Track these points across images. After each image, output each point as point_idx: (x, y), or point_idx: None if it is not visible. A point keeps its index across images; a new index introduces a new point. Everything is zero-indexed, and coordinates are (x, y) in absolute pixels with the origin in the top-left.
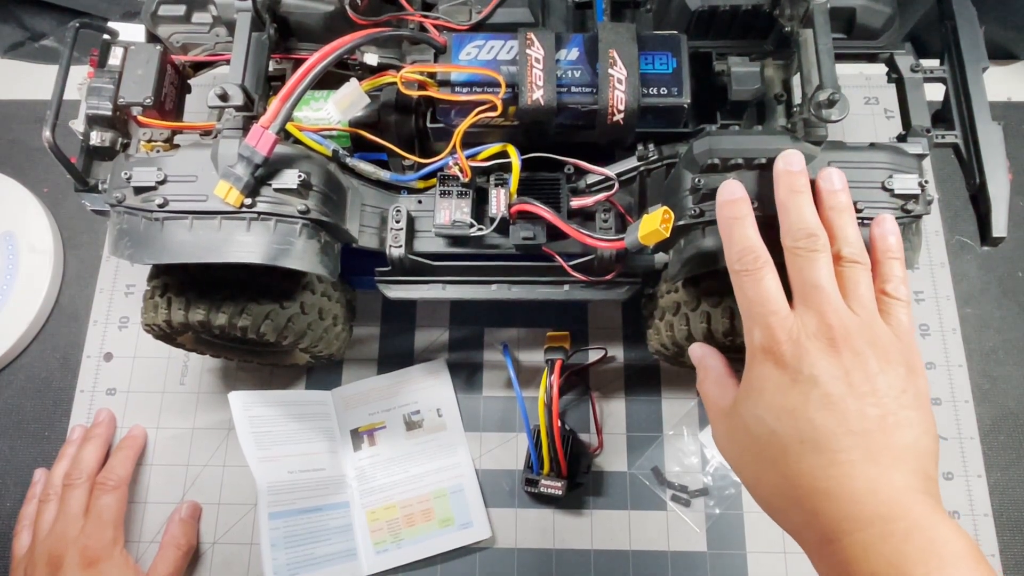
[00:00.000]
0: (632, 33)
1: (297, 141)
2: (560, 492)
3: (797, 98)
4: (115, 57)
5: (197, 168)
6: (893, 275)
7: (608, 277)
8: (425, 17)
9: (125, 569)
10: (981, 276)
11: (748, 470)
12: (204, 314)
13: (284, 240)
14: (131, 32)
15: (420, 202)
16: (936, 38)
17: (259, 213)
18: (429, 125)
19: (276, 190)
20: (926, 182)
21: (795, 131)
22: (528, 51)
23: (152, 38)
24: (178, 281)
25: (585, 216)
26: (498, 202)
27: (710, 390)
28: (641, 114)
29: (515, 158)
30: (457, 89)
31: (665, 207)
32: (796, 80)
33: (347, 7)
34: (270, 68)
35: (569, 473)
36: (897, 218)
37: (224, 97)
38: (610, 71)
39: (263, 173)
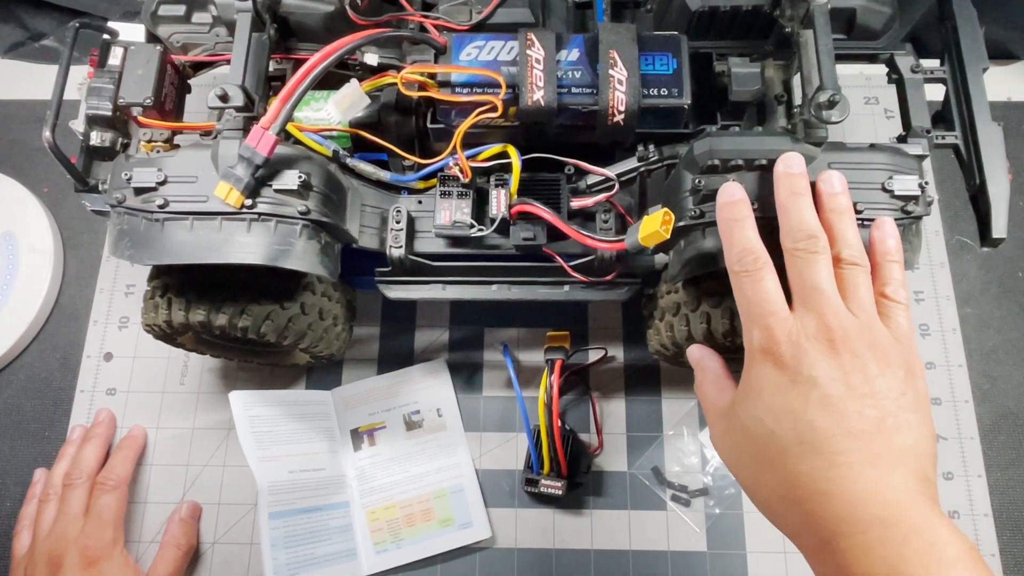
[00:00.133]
0: (632, 34)
1: (297, 142)
2: (560, 492)
3: (797, 99)
4: (115, 57)
5: (197, 169)
6: (892, 278)
7: (608, 278)
8: (425, 17)
9: (125, 569)
10: (981, 276)
11: (746, 472)
12: (204, 315)
13: (284, 241)
14: (131, 32)
15: (420, 202)
16: (936, 38)
17: (259, 214)
18: (429, 125)
19: (276, 191)
20: (926, 183)
21: (795, 132)
22: (528, 52)
23: (152, 38)
24: (178, 282)
25: (585, 217)
26: (498, 203)
27: (708, 391)
28: (641, 115)
29: (515, 159)
30: (457, 90)
31: (665, 208)
32: (796, 81)
33: (347, 7)
34: (270, 68)
35: (569, 473)
36: (897, 219)
37: (224, 98)
38: (610, 72)
39: (263, 174)
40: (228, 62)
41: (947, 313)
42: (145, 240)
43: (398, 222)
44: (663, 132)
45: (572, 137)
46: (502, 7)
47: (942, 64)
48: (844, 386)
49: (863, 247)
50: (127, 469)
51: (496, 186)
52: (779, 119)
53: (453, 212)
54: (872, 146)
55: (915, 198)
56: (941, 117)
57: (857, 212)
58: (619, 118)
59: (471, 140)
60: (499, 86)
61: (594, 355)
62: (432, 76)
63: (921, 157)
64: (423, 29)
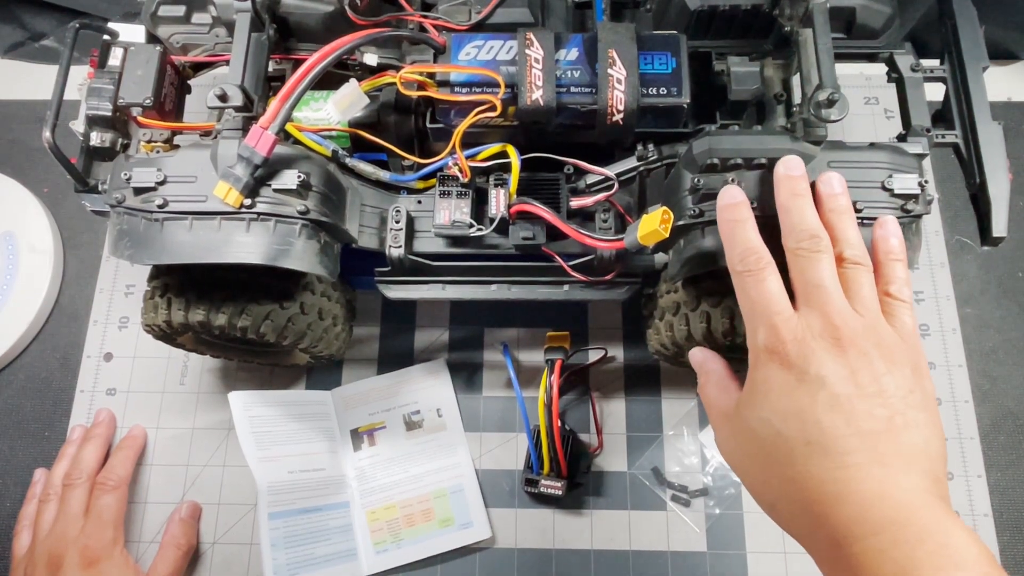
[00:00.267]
0: (632, 33)
1: (297, 141)
2: (560, 492)
3: (797, 98)
4: (115, 57)
5: (197, 169)
6: (896, 277)
7: (608, 277)
8: (425, 17)
9: (125, 569)
10: (981, 276)
11: (753, 474)
12: (204, 314)
13: (284, 241)
14: (131, 32)
15: (420, 202)
16: (936, 38)
17: (259, 214)
18: (428, 125)
19: (276, 190)
20: (926, 182)
21: (795, 131)
22: (527, 51)
23: (152, 38)
24: (178, 282)
25: (585, 216)
26: (498, 202)
27: (712, 394)
28: (640, 114)
29: (515, 158)
30: (456, 89)
31: (664, 207)
32: (796, 80)
33: (347, 7)
34: (270, 68)
35: (569, 473)
36: (897, 218)
37: (224, 98)
38: (609, 71)
39: (263, 174)
40: (228, 62)
41: (947, 313)
42: (145, 240)
43: (397, 222)
44: (662, 131)
45: (571, 137)
46: (501, 7)
47: (942, 63)
48: (852, 385)
49: (865, 247)
50: (127, 469)
51: (495, 186)
52: (778, 118)
53: (452, 212)
54: (872, 145)
55: (915, 197)
56: (941, 116)
57: (857, 211)
58: (618, 117)
59: (470, 140)
60: (498, 86)
61: (594, 355)
62: (431, 76)
63: (921, 156)
64: (422, 29)
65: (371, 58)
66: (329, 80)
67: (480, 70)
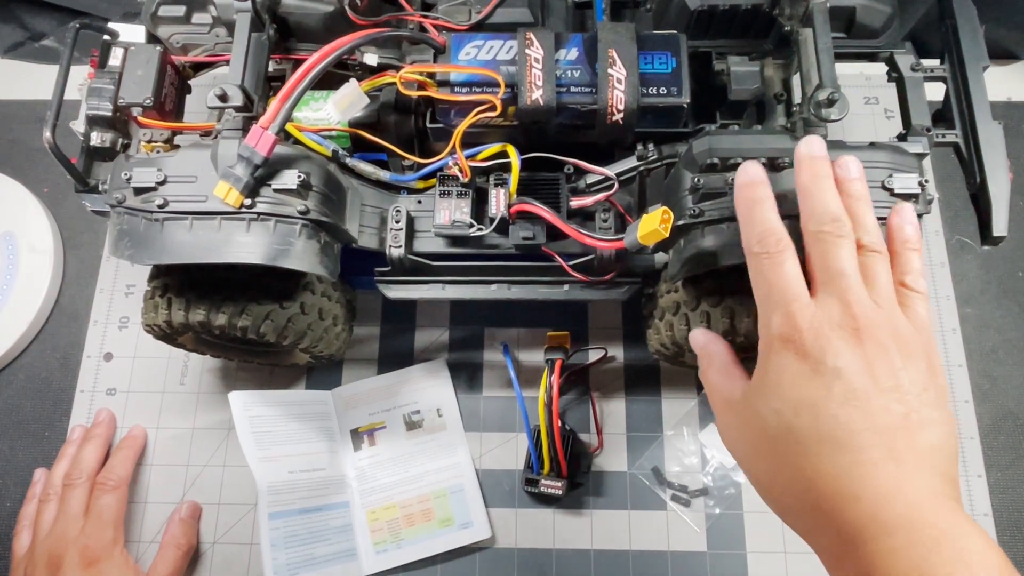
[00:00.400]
0: (631, 33)
1: (297, 141)
2: (560, 492)
3: (797, 97)
4: (115, 58)
5: (197, 169)
6: (912, 267)
7: (608, 277)
8: (424, 17)
9: (125, 569)
10: (981, 276)
11: (759, 467)
12: (204, 314)
13: (284, 240)
14: (131, 33)
15: (420, 202)
16: (936, 37)
17: (259, 214)
18: (428, 125)
19: (276, 190)
20: (926, 181)
21: (795, 130)
22: (527, 51)
23: (152, 39)
24: (178, 282)
25: (585, 216)
26: (498, 202)
27: (715, 379)
28: (640, 114)
29: (515, 158)
30: (456, 89)
31: (664, 207)
32: (796, 79)
33: (347, 7)
34: (270, 68)
35: (569, 473)
36: None
37: (224, 98)
38: (609, 71)
39: (263, 173)
40: (228, 62)
41: (947, 313)
42: (145, 240)
43: (397, 222)
44: (662, 131)
45: (571, 136)
46: (501, 7)
47: (942, 63)
48: (869, 378)
49: (881, 234)
50: (127, 469)
51: (495, 185)
52: (778, 118)
53: (452, 212)
54: (872, 144)
55: (915, 196)
56: (941, 116)
57: None
58: (618, 117)
59: (470, 139)
60: (498, 85)
61: (594, 355)
62: (431, 76)
63: (921, 155)
64: (422, 29)
65: (371, 58)
66: (329, 80)
67: (480, 70)
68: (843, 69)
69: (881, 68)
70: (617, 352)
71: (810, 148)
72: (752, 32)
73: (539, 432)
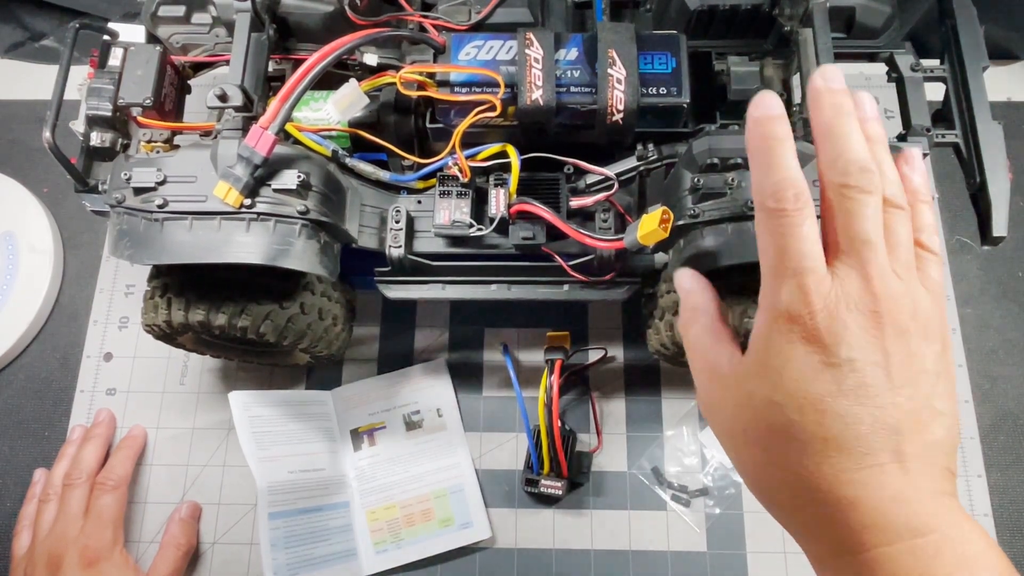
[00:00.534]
0: (631, 33)
1: (296, 141)
2: (560, 492)
3: (797, 97)
4: (115, 58)
5: (197, 169)
6: (926, 223)
7: (608, 277)
8: (424, 17)
9: (125, 569)
10: (981, 276)
11: (747, 456)
12: (204, 314)
13: (283, 240)
14: (131, 33)
15: (420, 202)
16: (936, 37)
17: (258, 214)
18: (428, 125)
19: (275, 190)
20: None
21: (794, 130)
22: (527, 51)
23: (152, 39)
24: (178, 282)
25: (585, 216)
26: (497, 202)
27: (700, 340)
28: (640, 114)
29: (514, 158)
30: (456, 89)
31: (664, 207)
32: (796, 79)
33: (346, 7)
34: (270, 68)
35: (569, 473)
36: None
37: (223, 98)
38: (609, 71)
39: (262, 173)
40: (228, 62)
41: (947, 313)
42: (145, 240)
43: (397, 222)
44: (662, 131)
45: (571, 136)
46: (501, 7)
47: (942, 63)
48: (883, 373)
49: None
50: (127, 469)
51: (495, 185)
52: None
53: (452, 212)
54: None
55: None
56: (941, 116)
57: None
58: (618, 117)
59: (470, 140)
60: (498, 85)
61: (594, 355)
62: (431, 76)
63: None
64: (422, 29)
65: (371, 58)
66: (329, 80)
67: (480, 70)
68: (843, 69)
69: (881, 68)
70: (617, 352)
71: (827, 79)
72: (752, 32)
73: (539, 432)
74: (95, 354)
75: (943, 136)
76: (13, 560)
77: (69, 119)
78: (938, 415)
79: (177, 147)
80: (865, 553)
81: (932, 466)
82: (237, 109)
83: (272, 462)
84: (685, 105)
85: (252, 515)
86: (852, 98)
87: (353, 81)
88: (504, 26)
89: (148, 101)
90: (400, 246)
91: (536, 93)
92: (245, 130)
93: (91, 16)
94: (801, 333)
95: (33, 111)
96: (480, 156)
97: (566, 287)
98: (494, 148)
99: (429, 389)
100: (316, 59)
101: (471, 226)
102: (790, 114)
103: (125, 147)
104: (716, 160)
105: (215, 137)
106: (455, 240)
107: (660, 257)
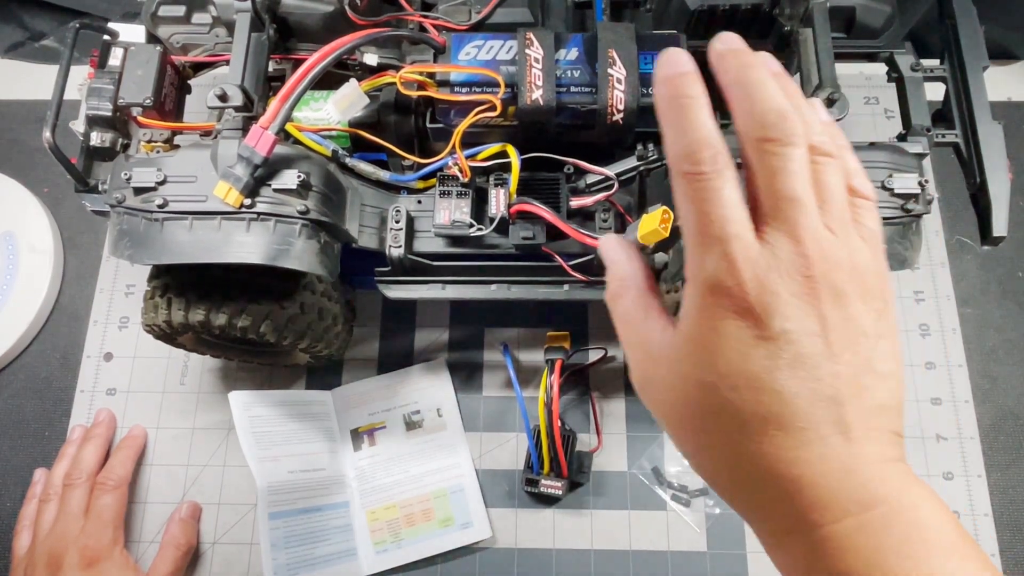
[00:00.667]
0: (631, 33)
1: (297, 141)
2: (560, 492)
3: None
4: (115, 58)
5: (197, 169)
6: (854, 167)
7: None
8: (425, 17)
9: (125, 569)
10: (981, 276)
11: (685, 438)
12: (204, 314)
13: (283, 240)
14: (131, 33)
15: (420, 202)
16: (936, 37)
17: (259, 213)
18: (428, 125)
19: (276, 190)
20: (926, 181)
21: None
22: (527, 51)
23: (152, 39)
24: (178, 281)
25: (585, 216)
26: (498, 202)
27: (629, 314)
28: (640, 114)
29: (515, 158)
30: (456, 89)
31: (664, 207)
32: (796, 80)
33: (347, 7)
34: (270, 68)
35: (569, 473)
36: (897, 218)
37: (224, 98)
38: (609, 71)
39: (263, 173)
40: (228, 62)
41: (947, 313)
42: (145, 240)
43: (397, 222)
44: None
45: (571, 136)
46: (501, 7)
47: (942, 63)
48: (821, 341)
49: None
50: (127, 469)
51: (495, 185)
52: None
53: (452, 212)
54: (872, 144)
55: (915, 196)
56: (941, 116)
57: None
58: (618, 117)
59: (470, 139)
60: (498, 85)
61: (594, 355)
62: (431, 75)
63: (921, 155)
64: (422, 29)
65: (371, 58)
66: (329, 80)
67: (480, 70)
68: (843, 69)
69: (881, 68)
70: (617, 352)
71: (725, 42)
72: (752, 32)
73: (539, 432)
74: (95, 354)
75: (943, 136)
76: (13, 560)
77: (69, 119)
78: (880, 378)
79: (177, 147)
80: (814, 532)
81: (877, 431)
82: (237, 109)
83: (272, 462)
84: None
85: (252, 515)
86: (756, 57)
87: (353, 81)
88: (504, 26)
89: (148, 101)
90: (400, 246)
91: (536, 93)
92: (245, 130)
93: (91, 16)
94: (731, 306)
95: (33, 111)
96: (480, 156)
97: (566, 287)
98: (494, 148)
99: (429, 389)
100: (316, 59)
101: (471, 226)
102: None
103: (125, 147)
104: None
105: (215, 137)
106: (455, 240)
107: (660, 257)
